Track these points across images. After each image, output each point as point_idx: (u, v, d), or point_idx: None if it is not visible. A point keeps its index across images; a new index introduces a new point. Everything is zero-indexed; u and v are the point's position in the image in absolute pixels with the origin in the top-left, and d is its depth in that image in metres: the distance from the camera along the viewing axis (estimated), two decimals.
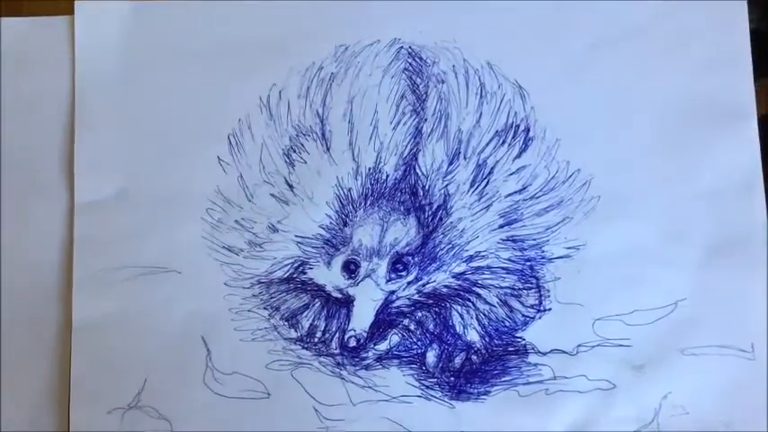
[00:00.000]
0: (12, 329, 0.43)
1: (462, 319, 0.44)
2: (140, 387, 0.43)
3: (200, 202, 0.44)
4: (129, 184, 0.44)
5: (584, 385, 0.43)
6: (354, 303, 0.44)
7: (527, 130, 0.45)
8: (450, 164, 0.44)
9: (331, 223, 0.44)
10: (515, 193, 0.44)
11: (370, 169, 0.44)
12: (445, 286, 0.44)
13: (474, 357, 0.44)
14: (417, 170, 0.44)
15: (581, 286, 0.44)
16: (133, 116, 0.45)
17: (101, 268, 0.44)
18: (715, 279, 0.44)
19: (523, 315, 0.44)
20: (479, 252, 0.44)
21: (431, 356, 0.44)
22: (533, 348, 0.44)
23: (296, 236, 0.44)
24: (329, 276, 0.44)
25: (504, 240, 0.44)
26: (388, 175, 0.44)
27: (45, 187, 0.44)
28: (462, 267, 0.44)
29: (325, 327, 0.44)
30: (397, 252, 0.44)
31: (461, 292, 0.44)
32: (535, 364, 0.44)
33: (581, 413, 0.43)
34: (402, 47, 0.45)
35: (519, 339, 0.44)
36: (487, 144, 0.45)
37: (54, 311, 0.43)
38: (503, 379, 0.44)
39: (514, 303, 0.44)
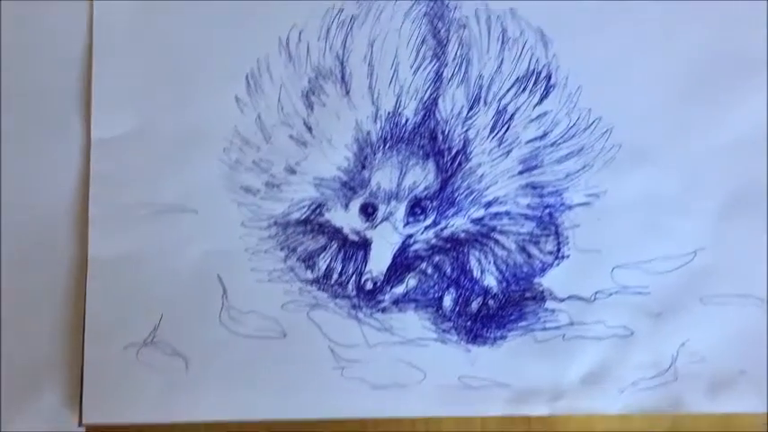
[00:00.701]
0: (27, 265, 0.45)
1: (480, 264, 0.46)
2: (156, 324, 0.44)
3: (218, 141, 0.46)
4: (147, 121, 0.46)
5: (602, 332, 0.45)
6: (371, 246, 0.46)
7: (549, 76, 0.47)
8: (471, 109, 0.46)
9: (349, 166, 0.46)
10: (536, 139, 0.46)
11: (389, 113, 0.46)
12: (463, 231, 0.46)
13: (491, 302, 0.46)
14: (437, 115, 0.46)
15: (600, 234, 0.46)
16: (151, 53, 0.46)
17: (117, 205, 0.45)
18: (734, 229, 0.46)
19: (541, 261, 0.46)
20: (498, 198, 0.46)
21: (447, 300, 0.46)
22: (551, 294, 0.46)
23: (314, 178, 0.46)
24: (346, 219, 0.46)
25: (523, 186, 0.46)
26: (407, 119, 0.46)
27: (61, 123, 0.46)
28: (481, 213, 0.46)
29: (342, 269, 0.46)
30: (415, 196, 0.46)
31: (479, 238, 0.46)
32: (552, 310, 0.46)
33: (598, 359, 0.45)
34: None
35: (536, 285, 0.46)
36: (508, 90, 0.46)
37: (70, 248, 0.45)
38: (519, 324, 0.46)
39: (533, 249, 0.46)
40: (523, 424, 0.45)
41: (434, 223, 0.46)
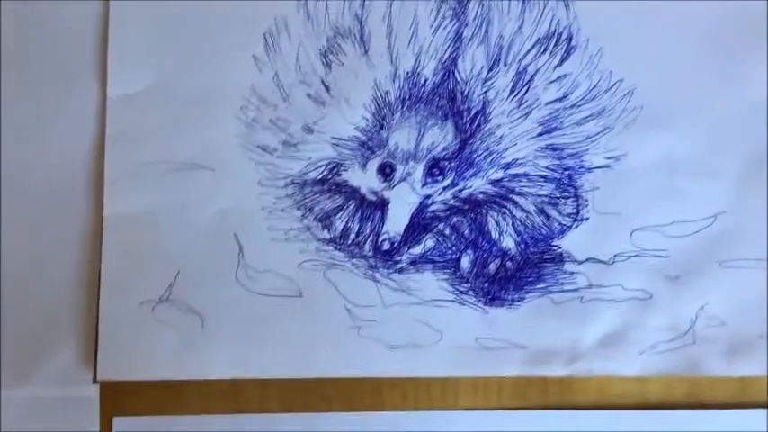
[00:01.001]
0: (43, 223, 0.45)
1: (498, 225, 0.47)
2: (172, 281, 0.45)
3: (235, 100, 0.46)
4: (163, 79, 0.46)
5: (620, 294, 0.46)
6: (389, 206, 0.46)
7: (569, 38, 0.47)
8: (490, 70, 0.47)
9: (367, 126, 0.46)
10: (556, 101, 0.47)
11: (408, 73, 0.46)
12: (482, 192, 0.47)
13: (509, 264, 0.46)
14: (456, 75, 0.47)
15: (620, 196, 0.46)
16: (168, 11, 0.46)
17: (133, 163, 0.45)
18: (754, 193, 0.46)
19: (560, 224, 0.47)
20: (517, 159, 0.47)
21: (465, 262, 0.47)
22: (569, 257, 0.46)
23: (331, 137, 0.46)
24: (364, 179, 0.46)
25: (542, 148, 0.47)
26: (426, 80, 0.47)
27: (77, 82, 0.46)
28: (499, 174, 0.47)
29: (359, 229, 0.46)
30: (433, 156, 0.46)
31: (498, 199, 0.47)
32: (571, 273, 0.46)
33: (616, 322, 0.45)
34: None
35: (555, 247, 0.46)
36: (528, 51, 0.47)
37: (85, 205, 0.45)
38: (537, 286, 0.46)
39: (551, 212, 0.47)
40: (540, 385, 0.45)
41: (452, 184, 0.46)
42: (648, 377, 0.45)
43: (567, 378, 0.45)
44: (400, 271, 0.46)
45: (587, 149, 0.46)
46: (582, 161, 0.46)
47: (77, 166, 0.45)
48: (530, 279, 0.46)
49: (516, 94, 0.46)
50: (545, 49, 0.47)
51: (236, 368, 0.44)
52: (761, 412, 0.44)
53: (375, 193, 0.46)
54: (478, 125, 0.46)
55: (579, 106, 0.47)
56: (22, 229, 0.45)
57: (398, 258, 0.46)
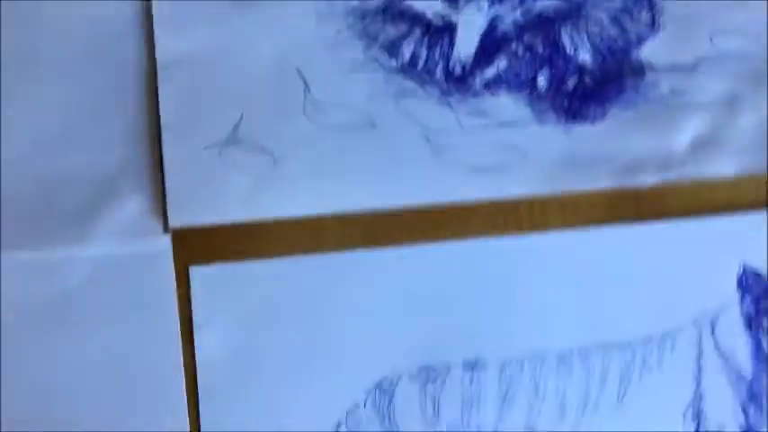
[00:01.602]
0: (94, 72, 0.44)
1: (572, 40, 0.46)
2: (237, 122, 0.44)
3: None
4: None
5: (706, 98, 0.45)
6: (457, 30, 0.45)
7: None
8: None
9: None
10: None
11: None
12: (552, 8, 0.46)
13: (587, 79, 0.46)
14: None
15: (695, 1, 0.46)
16: None
17: (181, 3, 0.44)
18: None
19: (637, 34, 0.46)
20: None
21: (542, 80, 0.46)
22: (650, 66, 0.45)
23: None
24: (428, 3, 0.45)
25: None
26: None
27: None
28: None
29: (428, 55, 0.45)
30: None
31: (570, 14, 0.46)
32: (653, 82, 0.45)
33: (704, 125, 0.45)
34: None
35: (634, 58, 0.46)
36: None
37: (137, 50, 0.44)
38: (619, 98, 0.45)
39: (626, 22, 0.46)
40: (632, 198, 0.45)
41: (521, 2, 0.45)
42: (740, 179, 0.45)
43: (659, 187, 0.44)
44: (475, 94, 0.45)
45: None
46: None
47: (127, 8, 0.44)
48: (611, 92, 0.45)
49: None
50: None
51: (314, 204, 0.43)
52: None
53: (441, 17, 0.45)
54: None
55: None
56: (74, 81, 0.43)
57: (472, 82, 0.45)
